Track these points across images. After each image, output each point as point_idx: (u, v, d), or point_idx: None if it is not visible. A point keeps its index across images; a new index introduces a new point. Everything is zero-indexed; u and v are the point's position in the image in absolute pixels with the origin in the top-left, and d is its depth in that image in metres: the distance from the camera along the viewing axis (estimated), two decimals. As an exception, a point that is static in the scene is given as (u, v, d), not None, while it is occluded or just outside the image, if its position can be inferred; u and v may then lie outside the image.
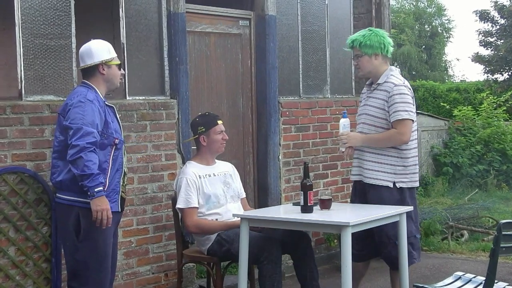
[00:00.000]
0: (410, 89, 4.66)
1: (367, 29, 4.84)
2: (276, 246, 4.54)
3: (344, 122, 4.74)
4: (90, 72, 4.19)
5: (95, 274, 4.07)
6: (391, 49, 4.75)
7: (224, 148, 4.97)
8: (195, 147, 5.06)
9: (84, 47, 4.23)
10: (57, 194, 4.13)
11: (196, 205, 4.72)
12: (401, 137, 4.55)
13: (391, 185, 4.60)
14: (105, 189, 3.96)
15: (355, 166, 4.77)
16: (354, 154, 4.77)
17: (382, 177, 4.61)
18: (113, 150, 4.11)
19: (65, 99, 4.30)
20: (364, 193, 4.72)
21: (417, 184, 4.73)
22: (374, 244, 4.69)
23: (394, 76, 4.66)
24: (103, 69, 4.18)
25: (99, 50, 4.20)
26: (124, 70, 5.17)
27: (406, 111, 4.53)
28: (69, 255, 4.14)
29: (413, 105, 4.64)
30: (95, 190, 3.89)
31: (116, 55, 4.29)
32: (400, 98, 4.54)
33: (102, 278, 4.12)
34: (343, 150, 4.75)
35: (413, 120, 4.59)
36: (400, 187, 4.62)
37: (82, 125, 3.92)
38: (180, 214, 4.84)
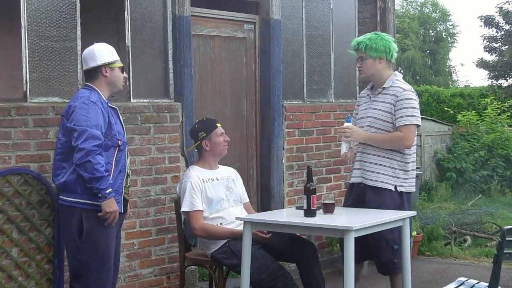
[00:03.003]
0: (416, 95, 4.69)
1: (373, 32, 4.84)
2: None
3: (348, 126, 4.74)
4: (93, 74, 4.20)
5: (96, 275, 4.08)
6: (395, 54, 4.76)
7: (227, 150, 4.98)
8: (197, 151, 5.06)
9: (87, 50, 4.25)
10: (60, 196, 4.14)
11: (201, 208, 4.71)
12: (405, 142, 4.56)
13: (393, 188, 4.60)
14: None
15: (357, 168, 4.76)
16: (356, 157, 4.76)
17: (385, 180, 4.61)
18: (116, 152, 4.13)
19: (69, 101, 4.31)
20: (362, 196, 4.70)
21: (414, 189, 4.73)
22: (364, 246, 4.56)
23: (400, 81, 4.67)
24: (106, 72, 4.19)
25: (102, 52, 4.21)
26: (129, 72, 5.18)
27: (414, 116, 4.56)
28: (71, 255, 4.16)
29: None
30: (107, 192, 3.94)
31: (119, 58, 4.31)
32: (409, 103, 4.56)
33: (104, 279, 4.13)
34: (344, 151, 4.72)
35: (418, 126, 4.60)
36: (401, 191, 4.62)
37: (86, 127, 3.93)
38: (183, 217, 4.85)
